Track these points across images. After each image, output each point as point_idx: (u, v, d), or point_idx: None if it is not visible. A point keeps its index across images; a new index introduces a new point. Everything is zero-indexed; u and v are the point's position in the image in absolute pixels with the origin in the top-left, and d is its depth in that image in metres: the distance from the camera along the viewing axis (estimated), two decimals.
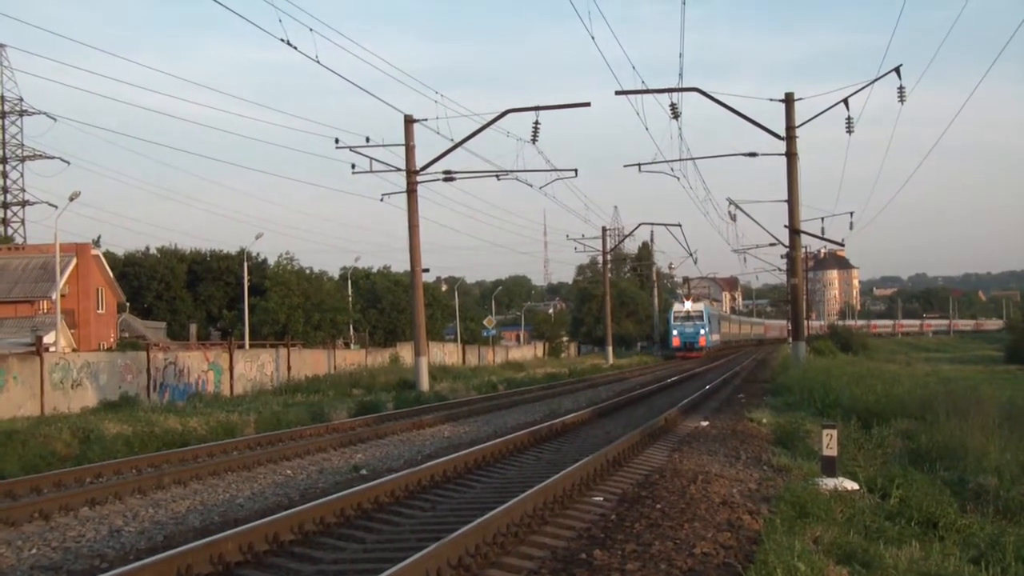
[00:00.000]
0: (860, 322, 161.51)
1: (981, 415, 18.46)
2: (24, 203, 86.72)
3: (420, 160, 40.31)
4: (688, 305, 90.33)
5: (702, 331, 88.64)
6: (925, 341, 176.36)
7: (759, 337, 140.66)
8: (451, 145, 39.30)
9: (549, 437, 20.64)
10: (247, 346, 52.66)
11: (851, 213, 61.64)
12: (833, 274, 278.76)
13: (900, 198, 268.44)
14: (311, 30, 28.34)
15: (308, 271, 77.33)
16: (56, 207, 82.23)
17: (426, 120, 39.37)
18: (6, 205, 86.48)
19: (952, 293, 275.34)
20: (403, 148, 40.00)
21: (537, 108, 37.42)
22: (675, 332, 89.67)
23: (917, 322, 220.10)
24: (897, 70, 36.47)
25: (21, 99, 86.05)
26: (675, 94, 37.75)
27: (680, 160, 46.06)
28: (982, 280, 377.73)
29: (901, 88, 36.64)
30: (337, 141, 38.37)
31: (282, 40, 26.86)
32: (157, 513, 13.24)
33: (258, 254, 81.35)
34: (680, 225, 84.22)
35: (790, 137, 38.93)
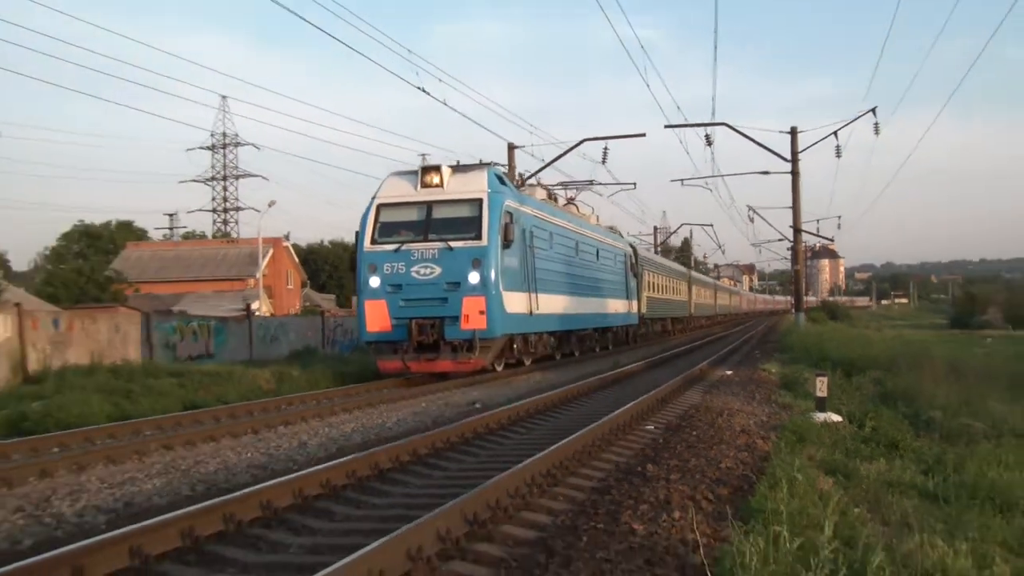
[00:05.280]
0: (814, 299, 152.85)
1: (932, 367, 18.53)
2: (237, 209, 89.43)
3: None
4: (428, 178, 18.91)
5: (474, 277, 17.73)
6: (893, 311, 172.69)
7: (753, 310, 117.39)
8: (542, 165, 39.23)
9: (613, 382, 20.53)
10: None
11: (839, 217, 61.51)
12: (825, 262, 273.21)
13: (876, 205, 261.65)
14: (440, 80, 28.65)
15: None
16: (259, 211, 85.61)
17: (523, 147, 39.48)
18: (227, 211, 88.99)
19: (913, 278, 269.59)
20: (507, 168, 40.05)
21: (606, 137, 36.95)
22: (371, 282, 18.29)
23: (864, 299, 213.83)
24: (873, 111, 36.08)
25: (236, 134, 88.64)
26: (709, 128, 37.62)
27: (712, 176, 45.69)
28: (935, 267, 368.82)
29: (876, 124, 36.31)
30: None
31: (419, 88, 26.80)
32: (331, 432, 13.45)
33: None
34: (712, 225, 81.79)
35: (794, 160, 38.34)
